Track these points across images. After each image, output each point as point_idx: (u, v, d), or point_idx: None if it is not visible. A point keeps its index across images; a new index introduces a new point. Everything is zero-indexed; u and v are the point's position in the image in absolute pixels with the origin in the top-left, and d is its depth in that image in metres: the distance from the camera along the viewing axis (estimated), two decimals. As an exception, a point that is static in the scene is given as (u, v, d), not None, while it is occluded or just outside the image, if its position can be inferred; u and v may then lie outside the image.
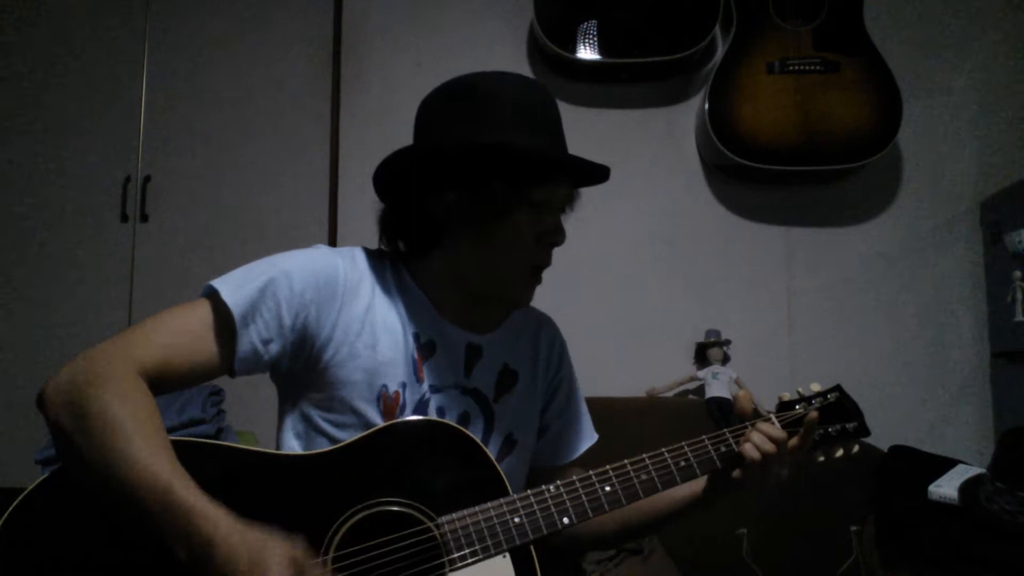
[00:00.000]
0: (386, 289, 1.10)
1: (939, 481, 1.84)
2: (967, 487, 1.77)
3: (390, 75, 2.57)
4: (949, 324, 2.45)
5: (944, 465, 1.92)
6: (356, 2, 2.61)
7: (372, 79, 2.58)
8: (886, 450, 2.11)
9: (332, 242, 2.49)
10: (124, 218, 2.45)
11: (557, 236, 1.08)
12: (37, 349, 2.38)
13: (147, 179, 2.46)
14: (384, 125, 2.51)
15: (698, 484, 1.12)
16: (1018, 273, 2.21)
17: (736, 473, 1.07)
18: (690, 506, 1.14)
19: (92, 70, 2.51)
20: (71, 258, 2.44)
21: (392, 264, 1.13)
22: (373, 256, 1.13)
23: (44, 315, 2.41)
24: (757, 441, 1.06)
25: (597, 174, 1.10)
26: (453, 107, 1.07)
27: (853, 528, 2.04)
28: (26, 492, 0.87)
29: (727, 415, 2.21)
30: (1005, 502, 1.64)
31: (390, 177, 1.10)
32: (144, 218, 2.45)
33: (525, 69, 2.57)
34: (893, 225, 2.50)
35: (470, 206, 1.04)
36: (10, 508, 0.86)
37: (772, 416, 1.13)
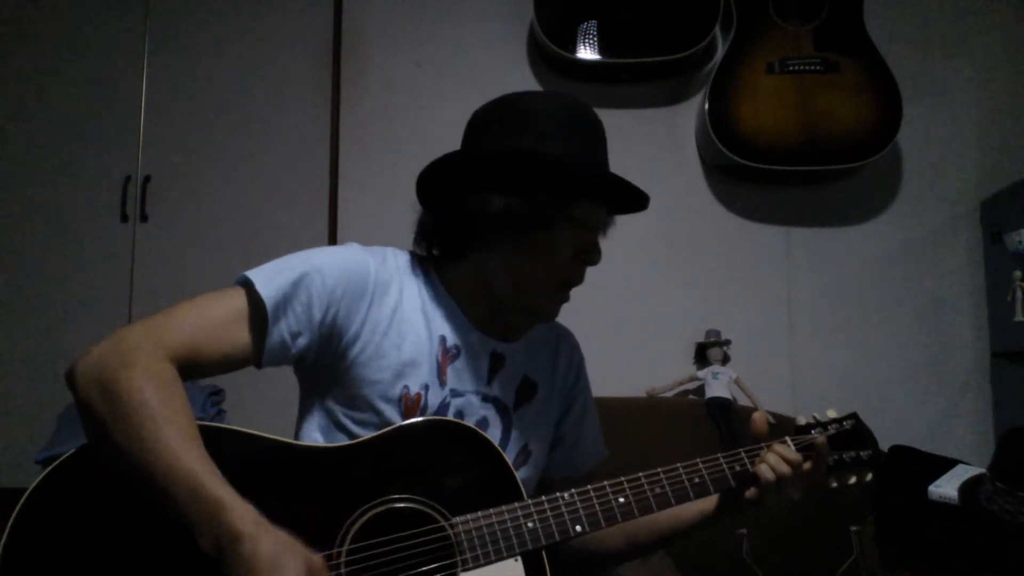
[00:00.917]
0: (415, 291, 1.11)
1: (939, 481, 1.84)
2: (967, 487, 1.77)
3: (390, 75, 2.57)
4: (949, 324, 2.45)
5: (944, 465, 1.92)
6: (356, 2, 2.60)
7: (372, 79, 2.57)
8: (886, 450, 2.11)
9: (332, 242, 2.49)
10: (124, 218, 2.45)
11: (593, 255, 1.10)
12: (37, 349, 2.38)
13: (147, 179, 2.46)
14: (384, 125, 2.51)
15: (708, 502, 1.14)
16: (1018, 273, 2.21)
17: (749, 493, 1.09)
18: (699, 524, 1.15)
19: (92, 70, 2.51)
20: (71, 258, 2.44)
21: (423, 267, 1.14)
22: (404, 258, 1.14)
23: (44, 315, 2.41)
24: (772, 462, 1.07)
25: (636, 201, 1.13)
26: (505, 119, 1.08)
27: (853, 528, 2.04)
28: (33, 486, 0.88)
29: (727, 415, 2.21)
30: (1005, 502, 1.64)
31: (436, 180, 1.11)
32: (144, 218, 2.45)
33: (525, 69, 2.57)
34: (893, 225, 2.50)
35: (515, 213, 1.05)
36: (19, 503, 0.86)
37: (787, 438, 1.14)
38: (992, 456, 1.78)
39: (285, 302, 0.99)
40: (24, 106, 2.50)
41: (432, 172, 1.10)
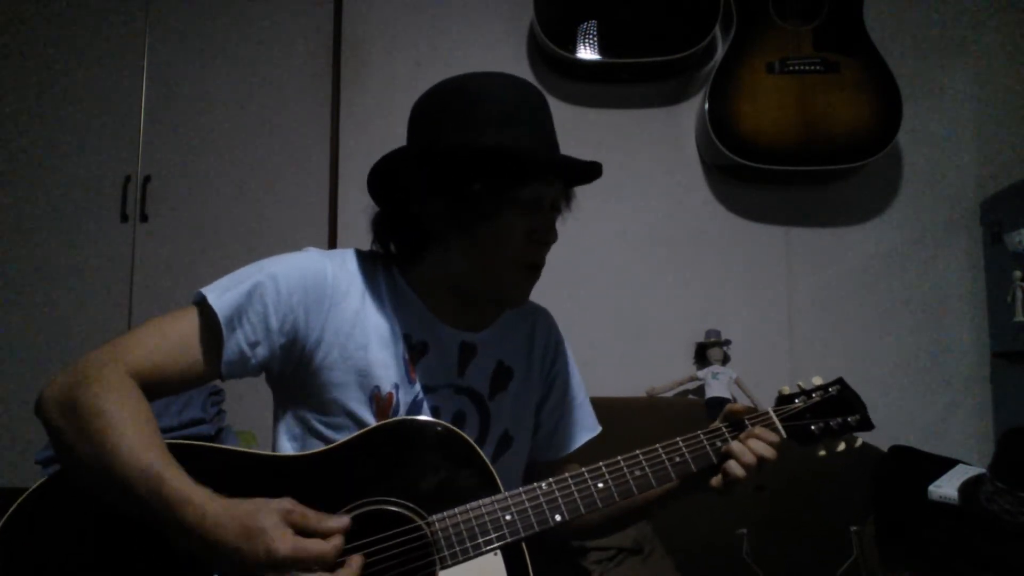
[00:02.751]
0: (377, 291, 1.10)
1: (939, 481, 1.84)
2: (967, 487, 1.77)
3: (390, 75, 2.57)
4: (949, 324, 2.45)
5: (944, 465, 1.92)
6: (356, 2, 2.61)
7: (372, 79, 2.58)
8: (886, 450, 2.11)
9: (332, 242, 2.49)
10: (124, 218, 2.45)
11: (548, 235, 1.08)
12: (37, 349, 2.38)
13: (147, 179, 2.47)
14: (384, 125, 2.51)
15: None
16: (1018, 273, 2.21)
17: (717, 481, 1.07)
18: (669, 498, 1.14)
19: (92, 70, 2.51)
20: (71, 258, 2.44)
21: (384, 266, 1.13)
22: (365, 258, 1.13)
23: (44, 315, 2.41)
24: (755, 448, 1.05)
25: (587, 171, 1.09)
26: (437, 110, 1.07)
27: (853, 528, 2.04)
28: (27, 493, 0.88)
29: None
30: (1005, 502, 1.64)
31: (381, 181, 1.10)
32: (144, 218, 2.45)
33: (525, 69, 2.57)
34: (893, 225, 2.50)
35: (456, 211, 1.05)
36: (11, 509, 0.87)
37: (770, 409, 1.13)
38: (992, 456, 1.78)
39: (239, 313, 0.99)
40: (24, 106, 2.50)
41: (378, 173, 1.09)
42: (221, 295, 0.99)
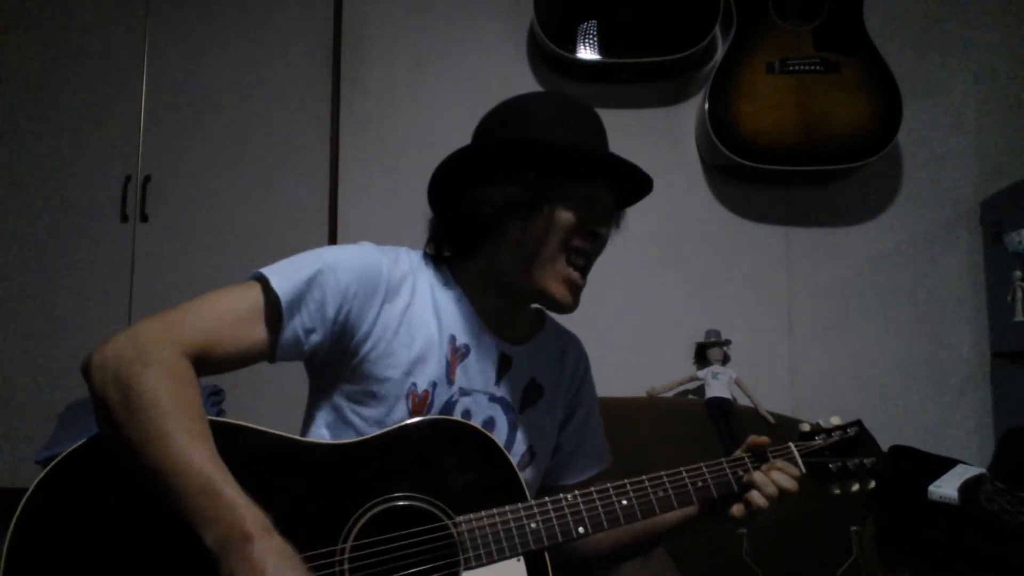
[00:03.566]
0: (428, 290, 1.12)
1: (939, 481, 1.84)
2: (967, 487, 1.77)
3: (390, 75, 2.57)
4: (949, 324, 2.45)
5: (944, 465, 1.92)
6: (356, 2, 2.61)
7: (372, 79, 2.57)
8: (886, 450, 2.11)
9: (332, 243, 2.49)
10: (124, 218, 2.45)
11: (596, 225, 1.10)
12: (37, 349, 2.38)
13: (147, 179, 2.47)
14: (384, 125, 2.51)
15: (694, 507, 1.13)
16: (1018, 273, 2.21)
17: (741, 509, 1.08)
18: (684, 526, 1.15)
19: (92, 70, 2.51)
20: (71, 258, 2.44)
21: (436, 266, 1.16)
22: (418, 257, 1.16)
23: (44, 315, 2.41)
24: (778, 480, 1.07)
25: (638, 185, 1.13)
26: (499, 115, 1.14)
27: (853, 528, 2.04)
28: (35, 484, 0.88)
29: (727, 415, 2.21)
30: (1005, 502, 1.64)
31: (441, 183, 1.14)
32: (144, 218, 2.45)
33: (525, 69, 2.57)
34: (893, 225, 2.50)
35: (511, 199, 1.08)
36: (22, 502, 0.86)
37: (791, 444, 1.14)
38: (992, 456, 1.78)
39: (299, 299, 1.01)
40: (24, 106, 2.50)
41: (437, 175, 1.13)
42: (284, 279, 1.00)
